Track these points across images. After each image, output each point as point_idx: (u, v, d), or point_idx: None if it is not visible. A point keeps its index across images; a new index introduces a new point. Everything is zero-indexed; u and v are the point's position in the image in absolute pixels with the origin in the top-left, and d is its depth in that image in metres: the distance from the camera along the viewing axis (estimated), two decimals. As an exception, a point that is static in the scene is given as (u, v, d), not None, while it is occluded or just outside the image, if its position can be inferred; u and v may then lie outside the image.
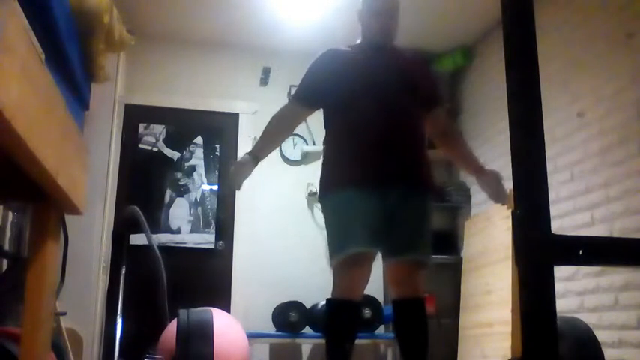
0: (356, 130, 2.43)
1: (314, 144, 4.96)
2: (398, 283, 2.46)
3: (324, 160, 2.58)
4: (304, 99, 2.62)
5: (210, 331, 2.48)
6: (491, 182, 2.54)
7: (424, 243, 2.44)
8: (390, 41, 2.61)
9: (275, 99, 4.98)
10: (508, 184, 4.24)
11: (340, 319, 2.39)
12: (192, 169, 4.85)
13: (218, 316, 3.14)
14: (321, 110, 2.64)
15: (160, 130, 4.85)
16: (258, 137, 2.77)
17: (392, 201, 2.37)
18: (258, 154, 2.68)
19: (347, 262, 2.32)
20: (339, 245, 2.35)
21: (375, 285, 4.58)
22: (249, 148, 2.78)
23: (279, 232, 4.72)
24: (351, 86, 2.47)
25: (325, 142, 2.62)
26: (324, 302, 2.46)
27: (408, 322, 2.45)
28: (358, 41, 2.70)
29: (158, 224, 4.63)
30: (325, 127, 2.63)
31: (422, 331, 2.43)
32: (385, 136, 2.40)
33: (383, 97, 2.43)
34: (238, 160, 2.68)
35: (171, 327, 2.93)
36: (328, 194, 2.46)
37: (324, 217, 2.48)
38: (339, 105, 2.50)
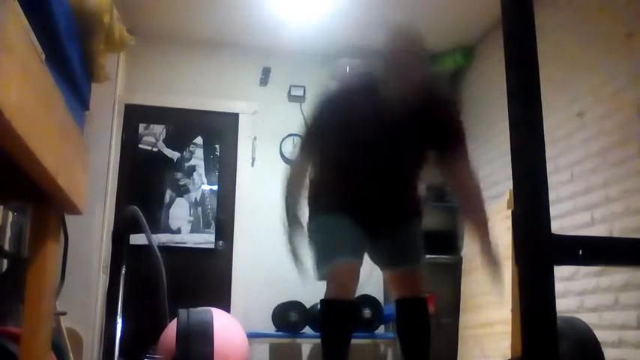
0: (345, 169, 2.41)
1: (314, 144, 4.96)
2: (398, 287, 2.51)
3: (309, 188, 2.54)
4: (308, 156, 2.49)
5: (210, 332, 2.48)
6: (486, 263, 2.36)
7: (417, 255, 2.51)
8: (408, 90, 2.30)
9: (275, 99, 5.01)
10: (508, 184, 4.22)
11: (334, 319, 2.39)
12: (192, 169, 4.85)
13: (218, 316, 3.14)
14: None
15: (159, 130, 4.85)
16: (286, 199, 2.50)
17: (378, 228, 2.43)
18: (295, 219, 2.47)
19: (335, 272, 2.33)
20: (323, 258, 2.37)
21: (375, 285, 4.58)
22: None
23: (280, 232, 4.70)
24: (351, 137, 2.34)
25: (313, 171, 2.56)
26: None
27: (410, 321, 2.47)
28: (377, 72, 2.39)
29: (158, 224, 4.63)
30: (316, 161, 2.55)
31: (424, 331, 2.45)
32: (374, 176, 2.37)
33: (378, 145, 2.35)
34: (288, 239, 2.47)
35: (172, 327, 2.93)
36: (311, 219, 2.49)
37: (309, 237, 2.48)
38: (334, 145, 2.42)
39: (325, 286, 2.39)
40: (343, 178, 2.42)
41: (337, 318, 2.38)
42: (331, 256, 2.35)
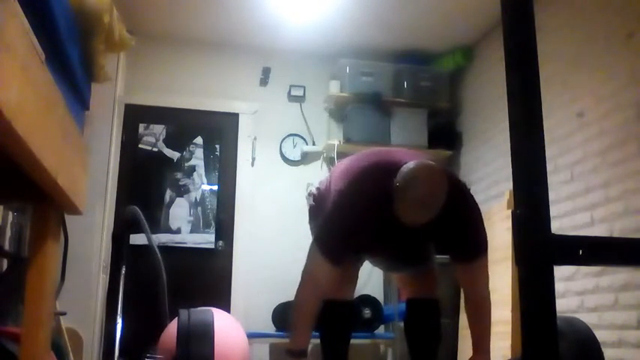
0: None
1: (314, 144, 4.96)
2: (410, 287, 2.47)
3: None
4: (336, 262, 2.21)
5: (211, 332, 2.47)
6: None
7: (424, 257, 2.46)
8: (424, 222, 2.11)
9: (275, 99, 5.01)
10: (508, 184, 4.22)
11: (333, 320, 2.36)
12: (192, 169, 4.85)
13: (218, 316, 3.14)
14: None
15: (160, 130, 4.85)
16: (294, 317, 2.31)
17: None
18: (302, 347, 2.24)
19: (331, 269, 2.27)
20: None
21: (375, 285, 4.59)
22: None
23: (280, 231, 4.71)
24: (366, 243, 2.28)
25: None
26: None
27: (420, 324, 2.42)
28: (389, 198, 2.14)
29: (158, 224, 4.63)
30: None
31: (434, 337, 2.40)
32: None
33: (394, 254, 2.37)
34: None
35: (172, 327, 2.93)
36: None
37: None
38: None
39: None
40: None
41: (335, 319, 2.36)
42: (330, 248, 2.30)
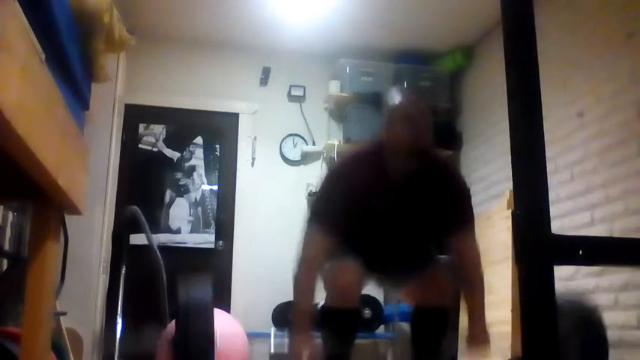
0: (355, 242, 2.34)
1: (314, 144, 4.96)
2: (419, 294, 2.40)
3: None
4: (329, 232, 2.26)
5: (210, 307, 2.46)
6: (475, 341, 2.33)
7: (432, 261, 2.40)
8: (413, 160, 2.25)
9: (275, 99, 5.01)
10: (508, 184, 4.21)
11: (335, 329, 2.32)
12: (192, 169, 4.85)
13: (218, 316, 3.14)
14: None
15: (160, 130, 4.85)
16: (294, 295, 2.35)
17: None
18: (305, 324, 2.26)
19: (335, 270, 2.26)
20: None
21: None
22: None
23: (279, 232, 4.71)
24: (360, 207, 2.27)
25: None
26: (322, 303, 2.41)
27: (426, 334, 2.39)
28: (380, 144, 2.32)
29: (158, 224, 4.63)
30: None
31: (438, 344, 2.37)
32: (386, 252, 2.33)
33: (388, 220, 2.30)
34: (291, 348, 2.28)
35: (172, 327, 2.93)
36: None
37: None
38: (343, 220, 2.31)
39: (325, 290, 2.31)
40: (354, 248, 2.32)
41: (337, 328, 2.31)
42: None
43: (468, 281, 2.37)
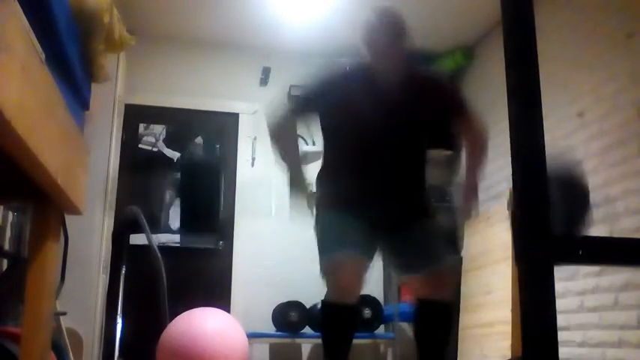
0: (351, 158, 2.40)
1: (314, 144, 4.95)
2: (423, 288, 2.39)
3: (319, 178, 2.53)
4: (298, 115, 2.55)
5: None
6: (468, 196, 2.46)
7: (438, 254, 2.38)
8: (396, 66, 2.42)
9: (275, 99, 5.01)
10: (508, 184, 4.21)
11: (334, 324, 2.33)
12: (193, 169, 4.85)
13: (218, 316, 3.14)
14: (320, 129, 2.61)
15: (160, 130, 4.84)
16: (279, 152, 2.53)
17: (390, 227, 2.35)
18: (295, 162, 2.51)
19: (336, 266, 2.26)
20: (325, 250, 2.31)
21: (375, 285, 4.58)
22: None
23: (280, 232, 4.71)
24: (351, 116, 2.39)
25: (322, 160, 2.58)
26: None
27: (430, 328, 2.38)
28: (364, 60, 2.48)
29: (158, 224, 4.63)
30: (324, 147, 2.60)
31: (443, 341, 2.36)
32: (380, 166, 2.36)
33: (382, 130, 2.36)
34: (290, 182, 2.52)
35: (172, 327, 2.94)
36: (321, 211, 2.43)
37: (316, 228, 2.43)
38: (338, 132, 2.46)
39: (325, 284, 2.32)
40: (349, 165, 2.39)
41: (337, 323, 2.32)
42: (333, 248, 2.27)
43: (473, 143, 2.52)
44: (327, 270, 2.30)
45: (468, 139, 2.55)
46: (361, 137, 2.36)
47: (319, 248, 2.36)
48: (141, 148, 4.79)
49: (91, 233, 4.00)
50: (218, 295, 4.46)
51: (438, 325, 2.37)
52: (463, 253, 4.55)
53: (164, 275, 2.74)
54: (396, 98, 2.38)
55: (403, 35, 2.42)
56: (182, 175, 4.74)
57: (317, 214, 2.45)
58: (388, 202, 2.36)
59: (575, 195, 1.90)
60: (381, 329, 4.49)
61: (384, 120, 2.35)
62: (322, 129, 2.54)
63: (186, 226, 4.65)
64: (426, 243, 2.38)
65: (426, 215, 2.44)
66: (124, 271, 2.70)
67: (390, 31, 2.39)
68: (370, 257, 2.35)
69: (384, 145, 2.35)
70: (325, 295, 2.35)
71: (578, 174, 2.17)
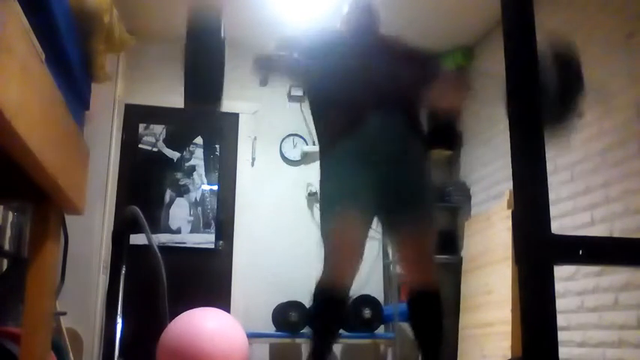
0: (344, 95, 2.46)
1: (314, 144, 4.95)
2: (410, 265, 2.41)
3: (317, 125, 2.60)
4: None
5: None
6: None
7: (422, 201, 2.41)
8: (372, 35, 2.65)
9: (275, 99, 5.01)
10: (508, 184, 4.21)
11: (322, 316, 2.39)
12: (192, 169, 4.85)
13: (218, 316, 3.14)
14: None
15: (159, 130, 4.85)
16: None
17: (386, 165, 2.35)
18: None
19: (338, 225, 2.29)
20: (331, 205, 2.34)
21: (375, 285, 4.59)
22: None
23: (279, 232, 4.72)
24: (341, 67, 2.50)
25: (316, 111, 2.63)
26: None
27: (423, 321, 2.42)
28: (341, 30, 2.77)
29: (158, 224, 4.63)
30: (316, 114, 2.64)
31: (436, 329, 2.40)
32: (373, 96, 2.42)
33: (371, 77, 2.45)
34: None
35: (172, 327, 2.94)
36: (326, 152, 2.46)
37: (321, 178, 2.45)
38: (328, 86, 2.53)
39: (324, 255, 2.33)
40: (344, 103, 2.44)
41: (325, 316, 2.38)
42: (339, 203, 2.30)
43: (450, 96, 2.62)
44: (330, 230, 2.32)
45: (445, 96, 2.62)
46: (352, 89, 2.44)
47: (323, 205, 2.39)
48: (141, 148, 4.79)
49: (91, 233, 4.01)
50: (218, 295, 4.46)
51: (432, 315, 2.41)
52: (463, 253, 4.56)
53: (164, 275, 2.74)
54: (374, 54, 2.53)
55: (376, 19, 2.72)
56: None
57: (321, 170, 2.46)
58: (386, 123, 2.39)
59: (569, 71, 1.93)
60: (381, 329, 4.49)
61: (371, 77, 2.43)
62: (312, 96, 2.65)
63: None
64: (410, 183, 2.39)
65: (417, 137, 2.46)
66: (124, 271, 2.69)
67: (364, 14, 2.69)
68: (371, 220, 2.38)
69: (376, 95, 2.41)
70: (320, 278, 2.36)
71: (573, 52, 2.23)
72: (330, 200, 2.36)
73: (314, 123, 2.61)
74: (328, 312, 2.38)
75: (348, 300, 2.42)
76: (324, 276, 2.35)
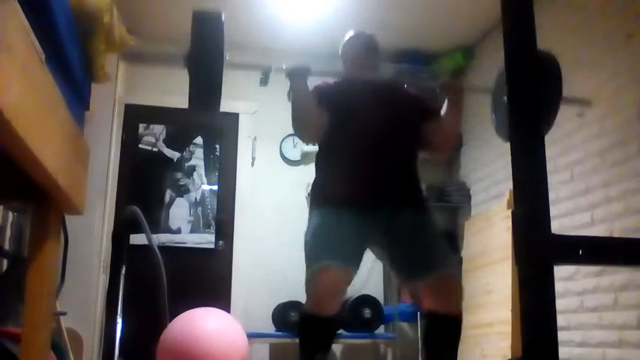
0: (345, 153, 2.47)
1: (314, 144, 4.95)
2: (432, 298, 2.38)
3: (315, 177, 2.59)
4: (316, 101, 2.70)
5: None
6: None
7: (440, 256, 2.37)
8: (372, 79, 2.68)
9: (275, 99, 4.99)
10: (508, 184, 4.21)
11: (312, 334, 2.35)
12: (192, 169, 4.85)
13: (218, 316, 3.14)
14: None
15: (160, 130, 4.85)
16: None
17: (385, 226, 2.36)
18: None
19: (320, 275, 2.26)
20: (316, 256, 2.31)
21: (375, 285, 4.59)
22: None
23: (280, 232, 4.71)
24: (343, 113, 2.50)
25: (317, 160, 2.65)
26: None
27: (439, 342, 2.40)
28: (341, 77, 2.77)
29: (158, 224, 4.63)
30: (318, 146, 2.68)
31: (452, 352, 2.38)
32: (373, 159, 2.41)
33: (371, 124, 2.44)
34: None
35: (172, 327, 2.93)
36: (315, 209, 2.45)
37: (308, 227, 2.44)
38: (332, 129, 2.53)
39: (306, 293, 2.32)
40: (342, 162, 2.45)
41: (315, 334, 2.34)
42: (321, 256, 2.28)
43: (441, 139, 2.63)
44: (311, 278, 2.30)
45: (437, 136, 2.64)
46: (351, 137, 2.45)
47: (308, 256, 2.36)
48: (141, 148, 4.79)
49: (91, 233, 4.01)
50: (218, 295, 4.46)
51: (447, 339, 2.39)
52: (463, 253, 4.55)
53: (164, 275, 2.74)
54: (375, 102, 2.52)
55: (376, 51, 2.75)
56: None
57: (310, 219, 2.47)
58: (382, 195, 2.38)
59: (549, 78, 1.98)
60: (381, 329, 4.49)
61: (371, 121, 2.44)
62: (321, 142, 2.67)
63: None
64: (425, 243, 2.37)
65: (421, 210, 2.45)
66: (124, 271, 2.69)
67: (363, 47, 2.72)
68: (356, 267, 2.34)
69: (373, 144, 2.42)
70: (304, 306, 2.37)
71: (553, 60, 2.29)
72: (317, 255, 2.32)
73: (315, 164, 2.64)
74: (314, 330, 2.35)
75: (337, 317, 2.38)
76: (307, 306, 2.34)
